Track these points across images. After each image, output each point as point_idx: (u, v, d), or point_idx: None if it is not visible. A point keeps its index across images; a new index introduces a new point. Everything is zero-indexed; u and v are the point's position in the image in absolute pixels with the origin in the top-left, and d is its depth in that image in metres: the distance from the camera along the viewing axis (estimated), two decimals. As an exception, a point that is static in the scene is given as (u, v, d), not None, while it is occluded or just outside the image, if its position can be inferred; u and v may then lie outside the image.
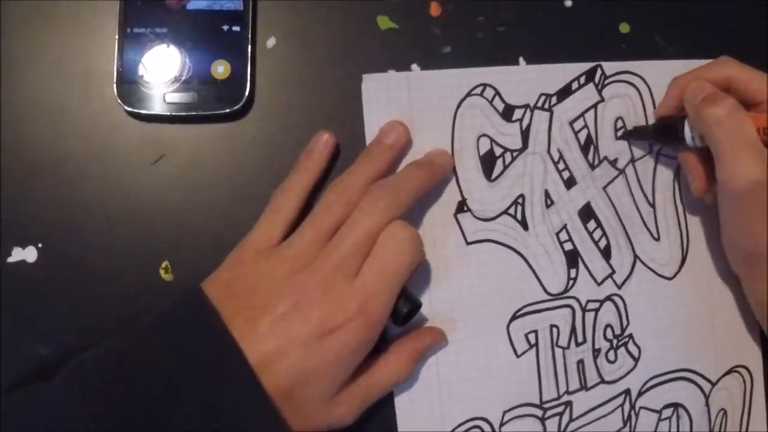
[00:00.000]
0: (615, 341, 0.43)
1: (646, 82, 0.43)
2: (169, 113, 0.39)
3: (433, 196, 0.40)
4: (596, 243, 0.43)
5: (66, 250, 0.39)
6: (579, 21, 0.43)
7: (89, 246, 0.39)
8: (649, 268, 0.43)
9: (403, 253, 0.35)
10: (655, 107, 0.43)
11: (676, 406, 0.44)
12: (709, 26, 0.45)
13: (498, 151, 0.41)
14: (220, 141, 0.40)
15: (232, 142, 0.40)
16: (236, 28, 0.40)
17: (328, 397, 0.35)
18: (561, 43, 0.43)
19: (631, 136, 0.43)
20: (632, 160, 0.43)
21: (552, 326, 0.42)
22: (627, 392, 0.43)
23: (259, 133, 0.40)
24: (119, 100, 0.38)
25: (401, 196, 0.36)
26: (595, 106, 0.43)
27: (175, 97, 0.39)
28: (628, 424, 0.43)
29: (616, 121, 0.43)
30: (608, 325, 0.43)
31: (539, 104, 0.42)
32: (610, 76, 0.43)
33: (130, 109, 0.39)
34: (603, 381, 0.43)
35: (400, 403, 0.40)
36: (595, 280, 0.43)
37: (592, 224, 0.43)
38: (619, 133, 0.43)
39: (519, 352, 0.41)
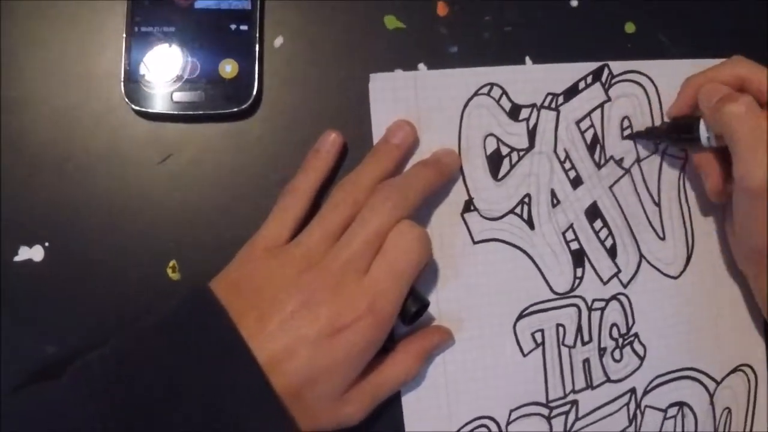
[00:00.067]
0: (621, 340, 0.43)
1: (653, 82, 0.43)
2: (176, 112, 0.39)
3: (440, 196, 0.41)
4: (602, 242, 0.43)
5: (73, 249, 0.39)
6: (584, 21, 0.43)
7: (96, 245, 0.39)
8: (655, 267, 0.43)
9: (412, 252, 0.35)
10: (662, 107, 0.44)
11: (681, 404, 0.44)
12: (714, 26, 0.45)
13: (505, 150, 0.41)
14: (228, 140, 0.40)
15: (240, 141, 0.40)
16: (244, 28, 0.39)
17: (337, 396, 0.35)
18: (567, 43, 0.43)
19: (643, 136, 0.43)
20: (638, 160, 0.43)
21: (558, 325, 0.42)
22: (632, 391, 0.43)
23: (266, 133, 0.40)
24: (126, 99, 0.38)
25: (409, 196, 0.37)
26: (601, 105, 0.43)
27: (183, 96, 0.39)
28: (633, 423, 0.43)
29: (623, 120, 0.43)
30: (614, 324, 0.43)
31: (546, 104, 0.42)
32: (617, 75, 0.43)
33: (137, 108, 0.39)
34: (609, 380, 0.43)
35: (408, 401, 0.40)
36: (601, 280, 0.43)
37: (598, 224, 0.43)
38: (626, 132, 0.43)
39: (525, 351, 0.42)
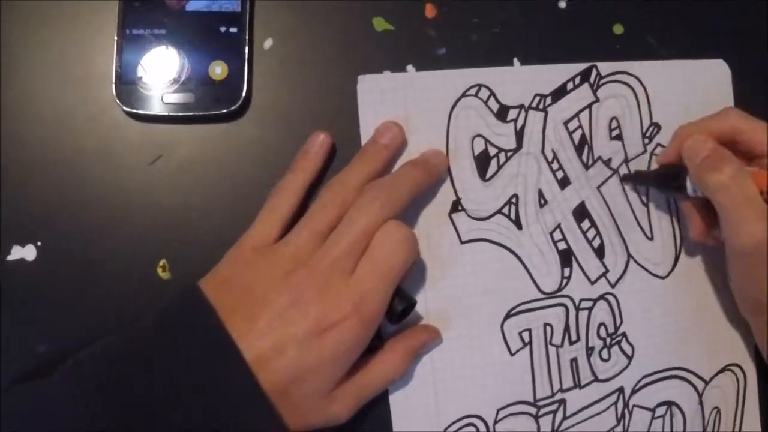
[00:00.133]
0: (608, 340, 0.43)
1: (641, 83, 0.44)
2: (167, 113, 0.39)
3: (427, 196, 0.41)
4: (590, 242, 0.43)
5: (65, 249, 0.39)
6: (573, 22, 0.44)
7: (88, 245, 0.39)
8: (643, 267, 0.44)
9: (398, 252, 0.36)
10: (650, 107, 0.44)
11: (669, 404, 0.44)
12: (702, 27, 0.45)
13: (492, 151, 0.42)
14: (218, 141, 0.40)
15: (229, 142, 0.40)
16: (233, 30, 0.40)
17: (324, 394, 0.35)
18: (555, 44, 0.43)
19: (633, 180, 0.43)
20: (626, 160, 0.43)
21: (546, 325, 0.42)
22: (620, 390, 0.43)
23: (255, 134, 0.41)
24: (118, 101, 0.39)
25: (397, 196, 0.37)
26: (590, 106, 0.43)
27: (173, 98, 0.39)
28: (621, 422, 0.43)
29: (611, 121, 0.43)
30: (602, 324, 0.43)
31: (534, 104, 0.42)
32: (606, 76, 0.43)
33: (128, 109, 0.39)
34: (597, 379, 0.43)
35: (395, 400, 0.40)
36: (589, 279, 0.43)
37: (585, 224, 0.43)
38: (614, 132, 0.43)
39: (513, 351, 0.42)
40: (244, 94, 0.40)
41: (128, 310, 0.39)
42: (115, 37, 0.39)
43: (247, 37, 0.40)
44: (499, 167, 0.42)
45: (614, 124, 0.43)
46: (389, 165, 0.40)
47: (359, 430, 0.40)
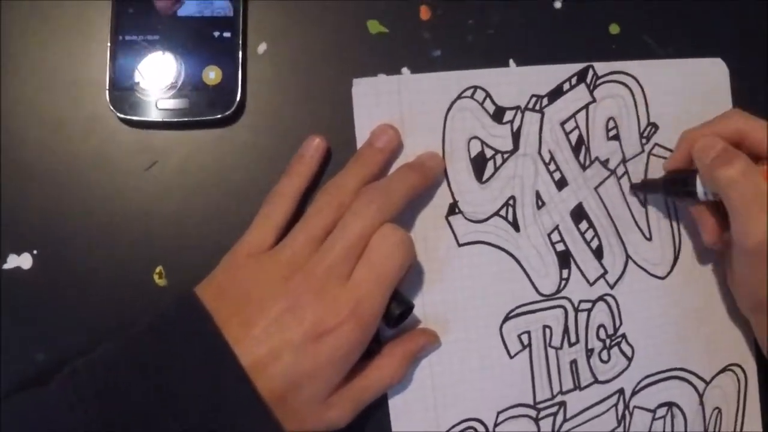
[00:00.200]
0: (608, 341, 0.43)
1: (638, 82, 0.43)
2: (161, 119, 0.39)
3: (424, 199, 0.41)
4: (588, 243, 0.43)
5: (61, 257, 0.39)
6: (568, 22, 0.43)
7: (84, 252, 0.39)
8: (642, 267, 0.43)
9: (395, 256, 0.35)
10: (648, 107, 0.44)
11: (670, 405, 0.44)
12: (699, 26, 0.45)
13: (489, 153, 0.41)
14: (213, 146, 0.40)
15: (224, 147, 0.40)
16: (227, 34, 0.40)
17: (321, 399, 0.35)
18: (551, 45, 0.43)
19: (642, 189, 0.43)
20: (624, 161, 0.43)
21: (545, 327, 0.42)
22: (621, 392, 0.43)
23: (250, 138, 0.40)
24: (112, 107, 0.39)
25: (393, 199, 0.37)
26: (586, 106, 0.43)
27: (168, 104, 0.39)
28: (622, 424, 0.43)
29: (608, 121, 0.43)
30: (601, 325, 0.43)
31: (530, 106, 0.42)
32: (602, 76, 0.43)
33: (122, 116, 0.39)
34: (596, 381, 0.43)
35: (394, 405, 0.40)
36: (588, 281, 0.43)
37: (584, 225, 0.43)
38: (611, 132, 0.43)
39: (512, 353, 0.42)
40: (238, 98, 0.39)
41: (125, 317, 0.38)
42: (108, 44, 0.39)
43: (240, 42, 0.40)
44: (496, 169, 0.42)
45: (611, 124, 0.43)
46: (385, 168, 0.40)
47: (358, 435, 0.40)
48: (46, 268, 0.39)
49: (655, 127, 0.44)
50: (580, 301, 0.43)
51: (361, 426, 0.39)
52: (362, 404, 0.37)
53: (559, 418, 0.42)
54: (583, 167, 0.43)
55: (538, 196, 0.42)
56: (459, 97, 0.41)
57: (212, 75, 0.39)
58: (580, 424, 0.42)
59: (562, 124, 0.42)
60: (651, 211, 0.44)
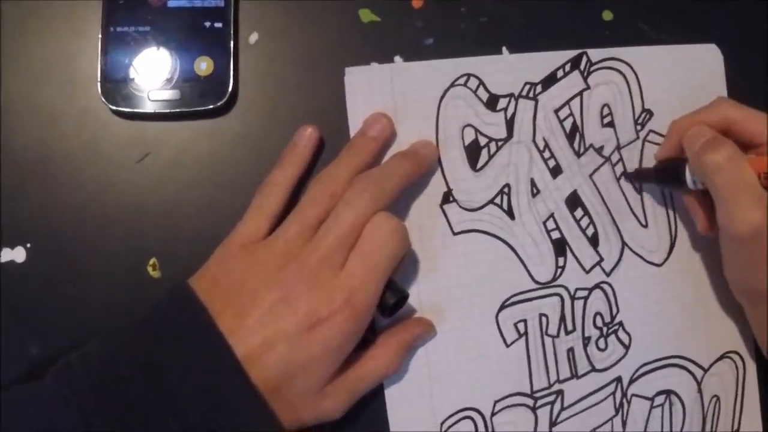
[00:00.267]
0: (605, 329, 0.43)
1: (632, 69, 0.43)
2: (153, 111, 0.39)
3: (418, 187, 0.40)
4: (584, 231, 0.43)
5: (54, 250, 0.39)
6: (562, 9, 0.43)
7: (77, 245, 0.39)
8: (638, 254, 0.43)
9: (389, 245, 0.35)
10: (642, 93, 0.43)
11: (668, 393, 0.44)
12: (693, 11, 0.45)
13: (483, 140, 0.41)
14: (205, 137, 0.40)
15: (217, 138, 0.40)
16: (218, 25, 0.40)
17: (316, 390, 0.35)
18: (544, 32, 0.43)
19: (635, 178, 0.43)
20: (618, 147, 0.43)
21: (541, 315, 0.42)
22: (618, 380, 0.43)
23: (243, 129, 0.40)
24: (104, 99, 0.39)
25: (386, 188, 0.37)
26: (580, 93, 0.43)
27: (160, 95, 0.39)
28: (620, 412, 0.43)
29: (603, 108, 0.43)
30: (598, 313, 0.43)
31: (524, 93, 0.42)
32: (596, 63, 0.43)
33: (114, 108, 0.39)
34: (594, 369, 0.42)
35: (391, 395, 0.40)
36: (584, 268, 0.42)
37: (579, 212, 0.42)
38: (606, 119, 0.43)
39: (509, 342, 0.41)
40: (230, 89, 0.39)
41: (119, 310, 0.39)
42: (99, 36, 0.39)
43: (232, 32, 0.40)
44: (490, 157, 0.41)
45: (606, 111, 0.43)
46: (378, 157, 0.40)
47: (354, 426, 0.40)
48: (40, 262, 0.39)
49: (649, 113, 0.43)
50: (577, 289, 0.42)
51: (356, 416, 0.39)
52: (357, 394, 0.37)
53: (557, 406, 0.42)
54: (578, 154, 0.42)
55: (532, 183, 0.42)
56: (452, 85, 0.41)
57: (204, 66, 0.39)
58: (577, 413, 0.42)
59: (556, 111, 0.42)
60: (647, 198, 0.44)
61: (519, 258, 0.42)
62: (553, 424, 0.42)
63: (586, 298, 0.42)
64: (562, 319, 0.42)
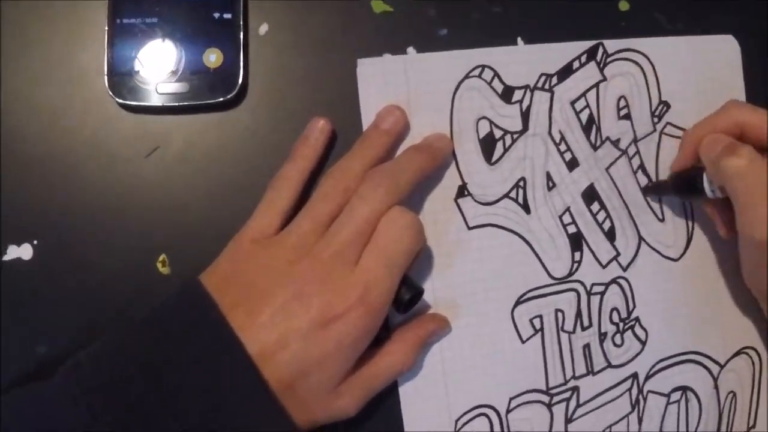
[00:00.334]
0: (621, 324, 0.42)
1: (649, 60, 0.43)
2: (161, 104, 0.38)
3: (432, 181, 0.40)
4: (600, 225, 0.42)
5: (62, 246, 0.38)
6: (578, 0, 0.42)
7: (85, 241, 0.38)
8: (655, 249, 0.43)
9: (404, 240, 0.35)
10: (659, 84, 0.43)
11: (684, 389, 0.43)
12: (709, 2, 0.44)
13: (498, 133, 0.41)
14: (215, 131, 0.39)
15: (227, 131, 0.39)
16: (227, 16, 0.39)
17: (330, 388, 0.35)
18: (559, 23, 0.42)
19: (652, 191, 0.42)
20: (635, 140, 0.42)
21: (557, 311, 0.41)
22: (634, 376, 0.42)
23: (253, 122, 0.40)
24: (111, 93, 0.38)
25: (401, 182, 0.36)
26: (597, 85, 0.42)
27: (168, 88, 0.38)
28: (636, 409, 0.42)
29: (619, 100, 0.42)
30: (614, 309, 0.42)
31: (539, 84, 0.41)
32: (612, 54, 0.42)
33: (121, 101, 0.38)
34: (610, 365, 0.42)
35: (405, 392, 0.39)
36: (600, 263, 0.42)
37: (595, 206, 0.42)
38: (623, 111, 0.42)
39: (524, 338, 0.41)
40: (240, 81, 0.38)
41: (128, 307, 0.38)
42: (106, 28, 0.38)
43: (241, 23, 0.39)
44: (506, 150, 0.41)
45: (622, 103, 0.42)
46: (392, 150, 0.39)
47: (368, 424, 0.39)
48: (47, 259, 0.38)
49: (666, 105, 0.43)
50: (593, 284, 0.42)
51: (370, 414, 0.38)
52: (372, 392, 0.37)
53: (572, 403, 0.41)
54: (594, 147, 0.42)
55: (548, 177, 0.41)
56: (466, 76, 0.40)
57: (213, 58, 0.38)
58: (593, 410, 0.42)
59: (572, 103, 0.41)
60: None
61: (535, 253, 0.41)
62: (568, 421, 0.41)
63: (602, 294, 0.42)
64: (578, 314, 0.42)
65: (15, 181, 0.38)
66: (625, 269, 0.42)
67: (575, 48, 0.42)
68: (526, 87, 0.41)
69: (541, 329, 0.41)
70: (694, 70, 0.43)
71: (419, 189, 0.38)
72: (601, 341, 0.42)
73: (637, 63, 0.42)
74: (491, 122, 0.40)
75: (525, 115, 0.41)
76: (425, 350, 0.40)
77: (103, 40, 0.38)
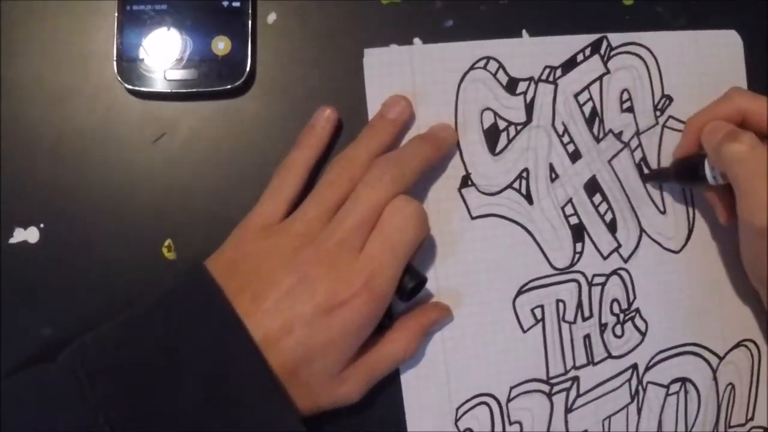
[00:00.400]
0: (622, 315, 0.42)
1: (652, 54, 0.43)
2: (169, 90, 0.38)
3: (436, 171, 0.40)
4: (602, 217, 0.42)
5: (68, 230, 0.39)
6: (582, -8, 0.43)
7: (91, 225, 0.39)
8: (656, 241, 0.43)
9: (408, 228, 0.35)
10: (662, 78, 0.43)
11: (683, 380, 0.44)
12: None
13: (502, 124, 0.41)
14: (222, 118, 0.40)
15: (234, 119, 0.40)
16: (236, 4, 0.39)
17: (334, 374, 0.35)
18: (564, 16, 0.42)
19: (653, 178, 0.43)
20: (637, 133, 0.43)
21: (558, 301, 0.42)
22: (634, 367, 0.43)
23: (260, 110, 0.40)
24: (119, 78, 0.38)
25: (406, 171, 0.36)
26: (600, 78, 0.42)
27: (176, 74, 0.38)
28: (635, 399, 0.43)
29: (622, 93, 0.43)
30: (615, 300, 0.42)
31: (543, 77, 0.41)
32: (616, 47, 0.42)
33: (130, 87, 0.38)
34: (610, 356, 0.42)
35: (407, 380, 0.40)
36: (601, 254, 0.42)
37: (597, 198, 0.42)
38: (626, 105, 0.42)
39: (525, 328, 0.41)
40: (248, 69, 0.39)
41: (133, 291, 0.38)
42: (116, 14, 0.38)
43: (250, 11, 0.39)
44: (509, 141, 0.41)
45: (625, 96, 0.43)
46: (397, 140, 0.39)
47: (370, 411, 0.39)
48: (53, 242, 0.38)
49: (669, 99, 0.43)
50: (594, 275, 0.42)
51: (372, 401, 0.39)
52: (375, 379, 0.37)
53: (573, 393, 0.42)
54: (597, 139, 0.42)
55: (551, 168, 0.42)
56: (471, 67, 0.40)
57: (221, 45, 0.39)
58: (593, 400, 0.42)
59: (576, 95, 0.42)
60: (665, 185, 0.43)
61: (537, 243, 0.41)
62: (568, 410, 0.42)
63: (603, 285, 0.42)
64: (579, 305, 0.42)
65: (23, 164, 0.38)
66: (626, 261, 0.43)
67: (579, 41, 0.42)
68: (531, 79, 0.41)
69: (542, 319, 0.41)
70: (697, 65, 0.44)
71: (424, 178, 0.39)
72: (602, 332, 0.42)
73: (640, 57, 0.43)
74: (495, 113, 0.41)
75: (529, 107, 0.41)
76: (427, 338, 0.40)
77: (112, 26, 0.38)
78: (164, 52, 0.38)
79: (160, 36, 0.38)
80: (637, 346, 0.43)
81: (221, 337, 0.33)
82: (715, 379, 0.44)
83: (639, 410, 0.43)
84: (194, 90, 0.39)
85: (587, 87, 0.42)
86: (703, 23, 0.44)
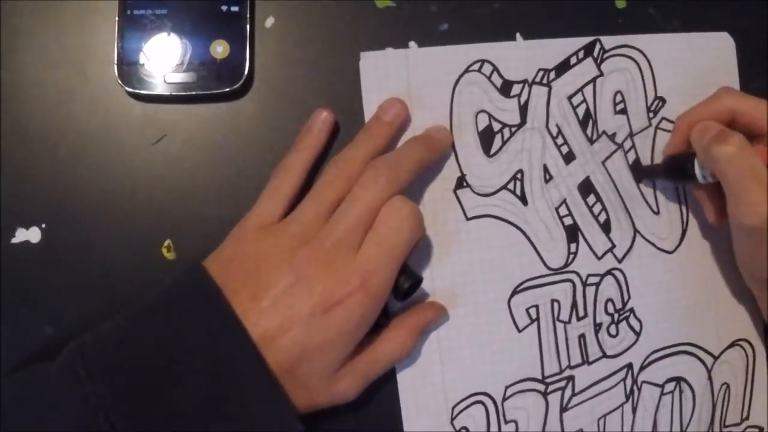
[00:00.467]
0: (616, 315, 0.43)
1: (645, 56, 0.43)
2: (169, 93, 0.39)
3: (432, 172, 0.41)
4: (596, 217, 0.43)
5: (69, 231, 0.39)
6: (576, -4, 0.43)
7: (92, 226, 0.39)
8: (650, 242, 0.43)
9: (404, 228, 0.35)
10: (655, 81, 0.44)
11: (678, 380, 0.44)
12: (705, 0, 0.45)
13: (496, 126, 0.41)
14: (220, 120, 0.40)
15: (232, 121, 0.40)
16: (235, 8, 0.40)
17: (331, 372, 0.35)
18: (557, 19, 0.43)
19: (644, 176, 0.43)
20: (631, 134, 0.43)
21: (553, 301, 0.42)
22: (629, 366, 0.43)
23: (258, 112, 0.40)
24: (120, 82, 0.39)
25: (401, 172, 0.37)
26: (593, 80, 0.43)
27: (175, 78, 0.39)
28: (630, 399, 0.43)
29: (615, 95, 0.43)
30: (609, 300, 0.43)
31: (537, 79, 0.42)
32: (609, 50, 0.43)
33: (130, 90, 0.39)
34: (605, 355, 0.43)
35: (403, 378, 0.40)
36: (596, 255, 0.43)
37: (591, 199, 0.43)
38: (619, 106, 0.43)
39: (520, 327, 0.42)
40: (246, 72, 0.39)
41: (133, 291, 0.39)
42: (116, 18, 0.39)
43: (248, 16, 0.40)
44: (504, 143, 0.41)
45: (618, 98, 0.43)
46: (393, 141, 0.40)
47: (367, 410, 0.40)
48: (55, 243, 0.39)
49: (662, 101, 0.44)
50: (588, 275, 0.42)
51: (369, 400, 0.39)
52: (371, 377, 0.37)
53: (568, 392, 0.42)
54: (591, 141, 0.43)
55: (545, 169, 0.42)
56: (466, 70, 0.41)
57: (220, 49, 0.39)
58: (588, 399, 0.42)
59: (570, 98, 0.42)
60: (659, 185, 0.44)
61: (531, 244, 0.42)
62: (563, 409, 0.42)
63: (597, 285, 0.43)
64: (574, 305, 0.42)
65: (24, 165, 0.39)
66: (620, 261, 0.43)
67: (573, 44, 0.42)
68: (525, 81, 0.42)
69: (537, 319, 0.42)
70: (690, 67, 0.44)
71: (419, 179, 0.39)
72: (596, 331, 0.43)
73: (633, 59, 0.43)
74: (490, 115, 0.41)
75: (523, 109, 0.42)
76: (423, 338, 0.40)
77: (113, 29, 0.39)
78: (164, 56, 0.39)
79: (160, 40, 0.39)
80: (632, 345, 0.43)
81: (220, 337, 0.33)
82: (709, 378, 0.44)
83: (634, 410, 0.43)
84: (193, 93, 0.39)
85: (581, 89, 0.42)
86: (695, 26, 0.44)
